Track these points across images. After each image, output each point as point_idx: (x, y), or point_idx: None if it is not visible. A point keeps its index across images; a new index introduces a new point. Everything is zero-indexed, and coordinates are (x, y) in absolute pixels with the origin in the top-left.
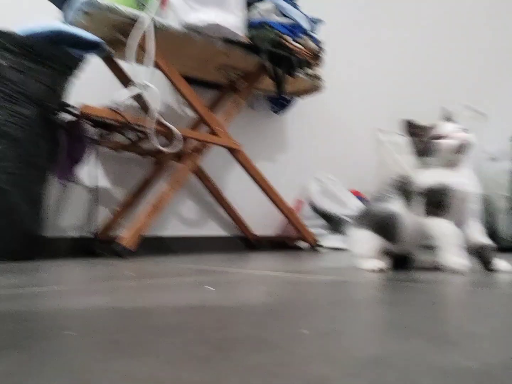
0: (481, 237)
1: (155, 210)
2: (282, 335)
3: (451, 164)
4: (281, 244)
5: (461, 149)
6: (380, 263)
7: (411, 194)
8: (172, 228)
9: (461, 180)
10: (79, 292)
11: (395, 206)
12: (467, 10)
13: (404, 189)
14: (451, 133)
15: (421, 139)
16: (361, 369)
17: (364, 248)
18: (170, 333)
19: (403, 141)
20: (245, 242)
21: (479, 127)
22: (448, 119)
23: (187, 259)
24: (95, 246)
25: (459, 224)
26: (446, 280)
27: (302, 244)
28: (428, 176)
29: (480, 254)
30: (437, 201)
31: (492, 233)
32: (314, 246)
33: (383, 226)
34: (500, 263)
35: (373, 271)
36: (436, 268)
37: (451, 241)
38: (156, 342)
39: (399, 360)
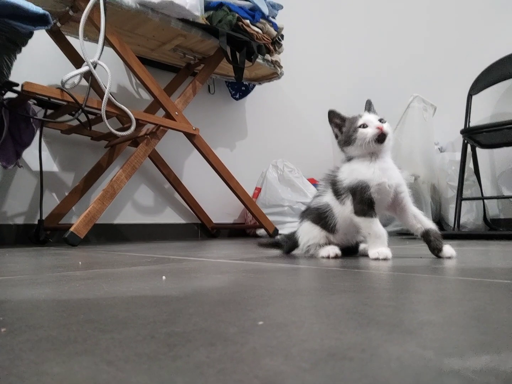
0: (426, 223)
1: (108, 196)
2: (236, 327)
3: (371, 154)
4: (239, 232)
5: (379, 138)
6: (335, 249)
7: (338, 188)
8: (127, 216)
9: (381, 172)
10: (17, 283)
11: (327, 198)
12: (422, 4)
13: (332, 183)
14: (369, 122)
15: (342, 129)
16: (317, 363)
17: (307, 239)
18: (114, 328)
19: None
20: (203, 230)
21: (429, 119)
22: (369, 110)
23: (142, 248)
24: (41, 233)
25: (393, 214)
26: (395, 267)
27: (261, 232)
28: (349, 172)
29: (427, 240)
30: (360, 199)
31: (440, 221)
32: (273, 234)
33: (318, 217)
34: (447, 249)
35: (328, 257)
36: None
37: (373, 238)
38: (98, 338)
39: (357, 352)
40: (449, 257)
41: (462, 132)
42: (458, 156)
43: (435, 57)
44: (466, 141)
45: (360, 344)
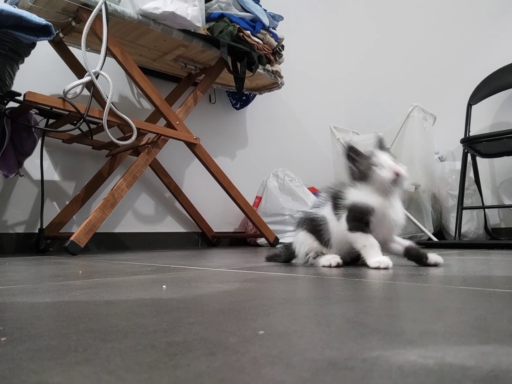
0: (404, 242)
1: (108, 205)
2: (237, 337)
3: (384, 194)
4: (240, 241)
5: (396, 181)
6: (336, 258)
7: (339, 204)
8: (128, 224)
9: (389, 206)
10: (17, 292)
11: (324, 212)
12: (420, 14)
13: (334, 197)
14: (385, 163)
15: (358, 165)
16: (318, 373)
17: (302, 248)
18: (115, 337)
19: (359, 138)
20: (204, 239)
21: (429, 128)
22: (381, 147)
23: (142, 256)
24: (42, 242)
25: (383, 240)
26: (396, 276)
27: (262, 241)
28: (356, 194)
29: (412, 254)
30: (359, 218)
31: (440, 230)
32: (274, 243)
33: (313, 228)
34: (433, 256)
35: (330, 266)
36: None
37: (369, 249)
38: (98, 348)
39: (357, 361)
40: (434, 264)
41: (462, 141)
42: (458, 165)
43: (435, 67)
44: (466, 150)
45: (361, 353)
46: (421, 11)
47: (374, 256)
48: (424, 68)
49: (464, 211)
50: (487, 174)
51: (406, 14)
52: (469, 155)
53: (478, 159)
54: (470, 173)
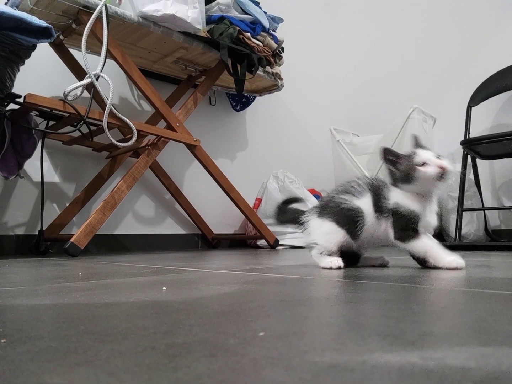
0: None
1: (108, 207)
2: (237, 338)
3: (430, 192)
4: (240, 242)
5: (443, 176)
6: (338, 261)
7: (382, 203)
8: (128, 226)
9: (429, 211)
10: (17, 294)
11: (363, 203)
12: (421, 15)
13: (376, 192)
14: (428, 161)
15: (399, 167)
16: (318, 374)
17: (327, 240)
18: (115, 339)
19: (359, 140)
20: (204, 241)
21: (429, 130)
22: (421, 146)
23: (143, 258)
24: (42, 244)
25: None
26: (397, 278)
27: (262, 242)
28: (401, 198)
29: (418, 258)
30: (406, 226)
31: (441, 232)
32: (274, 245)
33: (350, 220)
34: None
35: (330, 268)
36: (382, 265)
37: (436, 250)
38: (98, 349)
39: (358, 363)
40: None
41: (462, 143)
42: (458, 167)
43: (435, 68)
44: (466, 152)
45: (361, 355)
46: (421, 12)
47: (445, 256)
48: (424, 69)
49: (464, 213)
50: (487, 175)
51: (406, 15)
52: (469, 157)
53: (478, 160)
54: (470, 175)
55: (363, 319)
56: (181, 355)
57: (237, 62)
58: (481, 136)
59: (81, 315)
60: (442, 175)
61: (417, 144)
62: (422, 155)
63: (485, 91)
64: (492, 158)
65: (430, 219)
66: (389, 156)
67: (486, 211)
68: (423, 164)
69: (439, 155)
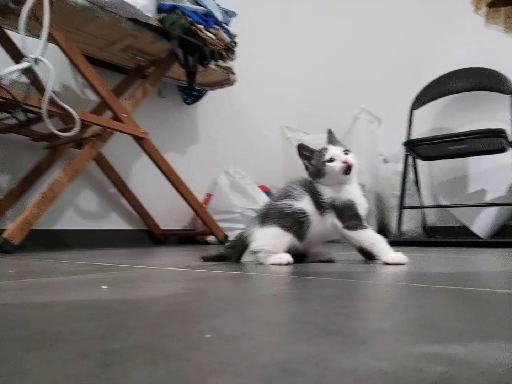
0: None
1: (47, 200)
2: (181, 342)
3: (340, 183)
4: (189, 239)
5: (346, 170)
6: (287, 256)
7: (321, 201)
8: (69, 221)
9: (353, 194)
10: None
11: (304, 204)
12: (367, 22)
13: (312, 190)
14: (335, 156)
15: (311, 162)
16: (268, 379)
17: (274, 245)
18: (43, 345)
19: (309, 138)
20: (151, 237)
21: (375, 130)
22: (333, 142)
23: (84, 255)
24: None
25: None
26: (345, 273)
27: (211, 238)
28: (332, 191)
29: (363, 251)
30: (351, 214)
31: (383, 228)
32: (223, 241)
33: (295, 222)
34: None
35: (280, 264)
36: (330, 260)
37: (382, 245)
38: (24, 358)
39: (309, 365)
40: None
41: (404, 144)
42: (400, 166)
43: (381, 72)
44: (407, 153)
45: (313, 357)
46: (371, 20)
47: (389, 251)
48: (372, 73)
49: (404, 210)
50: (426, 175)
51: (356, 21)
52: (410, 158)
53: (418, 161)
54: (411, 175)
55: (312, 317)
56: (117, 364)
57: (188, 54)
58: (421, 138)
59: (8, 318)
60: (346, 169)
61: (330, 140)
62: (330, 150)
63: (426, 95)
64: (431, 159)
65: (361, 201)
66: (304, 152)
67: (424, 209)
68: (331, 160)
69: (347, 151)
